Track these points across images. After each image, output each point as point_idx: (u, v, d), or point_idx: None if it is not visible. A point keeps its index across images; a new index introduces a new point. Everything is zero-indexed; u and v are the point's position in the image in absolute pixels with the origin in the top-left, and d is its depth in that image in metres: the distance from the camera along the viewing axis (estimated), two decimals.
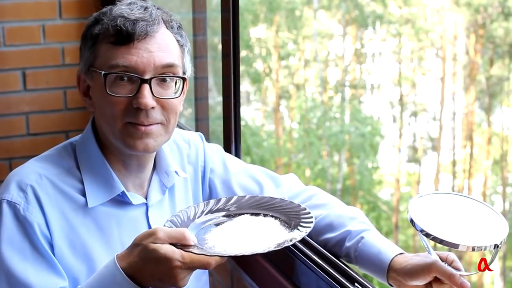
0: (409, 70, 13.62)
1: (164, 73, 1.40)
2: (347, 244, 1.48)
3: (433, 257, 1.31)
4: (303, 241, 1.61)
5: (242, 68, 9.19)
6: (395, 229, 12.62)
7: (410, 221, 1.26)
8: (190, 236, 1.24)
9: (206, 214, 1.38)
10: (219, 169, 1.65)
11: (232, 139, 2.17)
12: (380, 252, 1.40)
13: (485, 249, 1.19)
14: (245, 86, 13.14)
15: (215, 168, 1.65)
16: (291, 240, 1.27)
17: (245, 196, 1.44)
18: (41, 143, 2.92)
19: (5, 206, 1.37)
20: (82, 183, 1.43)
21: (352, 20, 13.35)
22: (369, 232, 1.47)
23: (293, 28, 13.04)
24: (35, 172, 1.41)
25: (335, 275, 1.50)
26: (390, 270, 1.37)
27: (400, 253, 1.40)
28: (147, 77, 1.38)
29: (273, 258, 1.75)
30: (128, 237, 1.43)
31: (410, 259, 1.36)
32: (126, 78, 1.38)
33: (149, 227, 1.47)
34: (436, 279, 1.31)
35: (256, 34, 13.08)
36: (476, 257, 10.84)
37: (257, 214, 1.38)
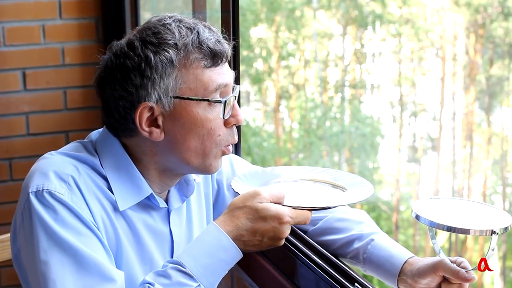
0: (409, 70, 13.62)
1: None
2: (356, 245, 1.48)
3: (442, 257, 1.32)
4: (303, 241, 1.61)
5: (242, 68, 9.19)
6: (395, 229, 12.61)
7: (416, 217, 1.28)
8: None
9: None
10: (227, 170, 1.65)
11: None
12: (391, 256, 1.41)
13: (494, 233, 1.23)
14: (245, 86, 13.14)
15: (222, 169, 1.65)
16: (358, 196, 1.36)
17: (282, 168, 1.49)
18: (41, 143, 2.92)
19: (47, 196, 1.29)
20: (108, 182, 1.37)
21: (352, 20, 13.35)
22: (379, 235, 1.47)
23: (293, 28, 13.04)
24: (70, 163, 1.34)
25: (335, 275, 1.50)
26: (400, 273, 1.39)
27: (411, 257, 1.41)
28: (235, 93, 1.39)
29: (273, 258, 1.75)
30: (153, 241, 1.41)
31: (420, 260, 1.38)
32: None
33: (170, 232, 1.45)
34: (446, 280, 1.33)
35: (256, 34, 13.09)
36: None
37: (302, 180, 1.45)
